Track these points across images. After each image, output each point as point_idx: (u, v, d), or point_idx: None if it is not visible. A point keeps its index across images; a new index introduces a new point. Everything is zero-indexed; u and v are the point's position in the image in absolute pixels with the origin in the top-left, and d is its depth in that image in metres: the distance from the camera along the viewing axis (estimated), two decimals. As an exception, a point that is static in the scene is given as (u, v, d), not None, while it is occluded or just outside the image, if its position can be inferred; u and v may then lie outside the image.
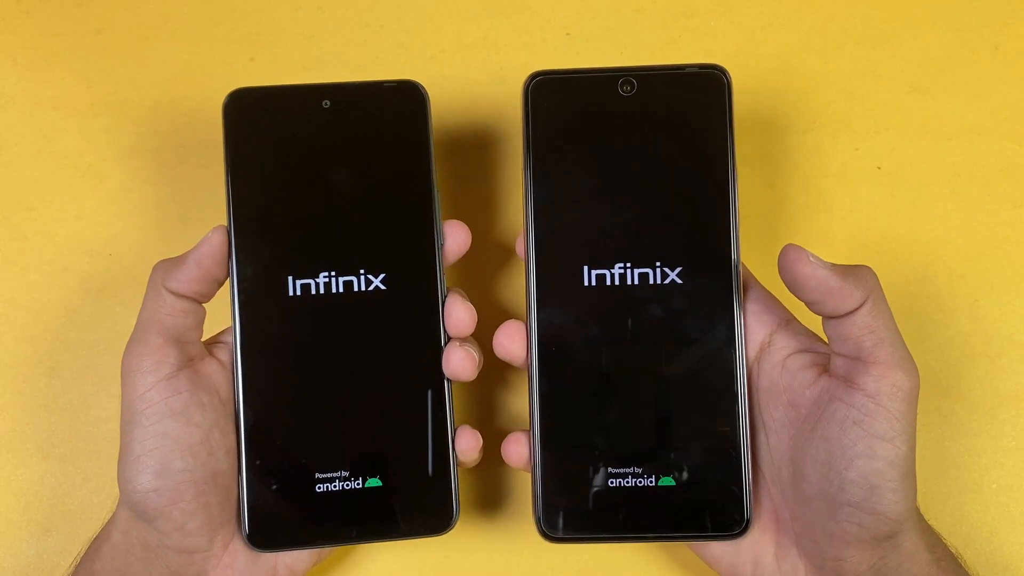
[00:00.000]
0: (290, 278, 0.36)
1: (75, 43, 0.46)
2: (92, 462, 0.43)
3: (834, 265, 0.33)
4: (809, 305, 0.34)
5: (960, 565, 0.35)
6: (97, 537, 0.36)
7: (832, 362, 0.35)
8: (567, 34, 0.46)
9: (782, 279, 0.34)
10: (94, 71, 0.46)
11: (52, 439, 0.43)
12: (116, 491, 0.36)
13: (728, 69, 0.36)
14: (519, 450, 0.36)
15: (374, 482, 0.36)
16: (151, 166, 0.45)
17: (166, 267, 0.35)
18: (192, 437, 0.34)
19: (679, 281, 0.36)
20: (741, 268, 0.36)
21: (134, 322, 0.35)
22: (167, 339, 0.35)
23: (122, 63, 0.46)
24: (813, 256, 0.33)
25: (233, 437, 0.36)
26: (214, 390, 0.36)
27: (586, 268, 0.36)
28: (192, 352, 0.36)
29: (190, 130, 0.45)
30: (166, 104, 0.45)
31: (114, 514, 0.36)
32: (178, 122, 0.45)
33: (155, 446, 0.34)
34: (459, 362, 0.36)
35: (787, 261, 0.34)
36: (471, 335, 0.37)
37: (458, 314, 0.36)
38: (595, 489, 0.36)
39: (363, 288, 0.36)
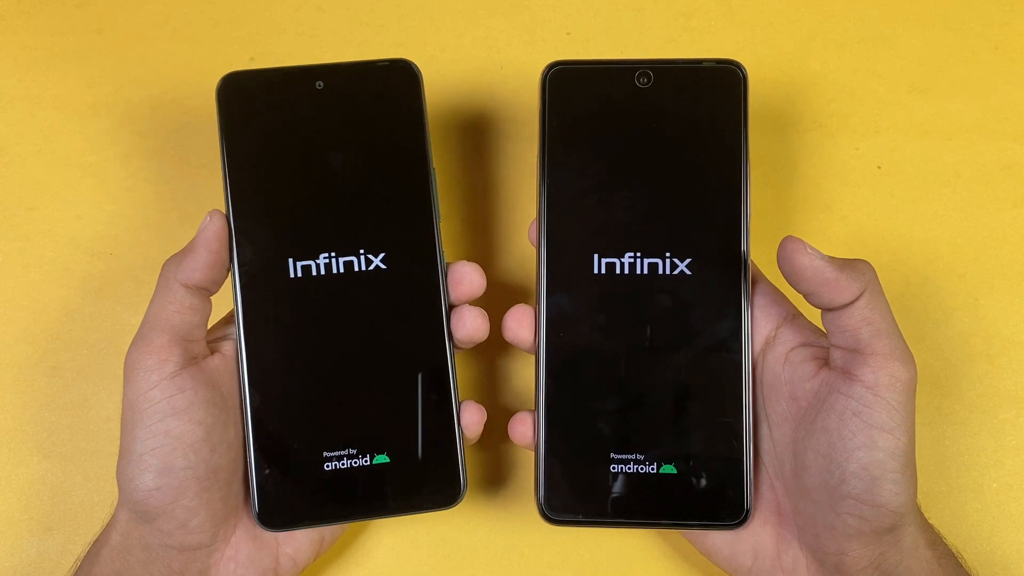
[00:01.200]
0: (291, 260, 0.36)
1: (76, 43, 0.46)
2: (93, 461, 0.43)
3: (832, 257, 0.34)
4: (806, 296, 0.34)
5: (960, 564, 0.35)
6: (96, 540, 0.36)
7: (831, 355, 0.35)
8: (567, 34, 0.46)
9: (780, 269, 0.35)
10: (95, 71, 0.46)
11: (53, 438, 0.43)
12: (116, 490, 0.36)
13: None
14: (524, 430, 0.37)
15: (382, 458, 0.36)
16: (152, 166, 0.45)
17: (176, 260, 0.35)
18: (194, 435, 0.34)
19: (688, 272, 0.36)
20: (750, 262, 0.36)
21: (135, 322, 0.35)
22: (172, 337, 0.35)
23: (123, 63, 0.46)
24: (811, 248, 0.34)
25: (234, 432, 0.36)
26: (217, 386, 0.36)
27: (596, 256, 0.36)
28: (196, 350, 0.36)
29: (191, 130, 0.45)
30: (167, 104, 0.45)
31: (113, 516, 0.36)
32: (179, 122, 0.45)
33: (157, 445, 0.34)
34: (472, 321, 0.36)
35: (785, 252, 0.34)
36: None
37: (470, 275, 0.36)
38: (597, 474, 0.36)
39: (364, 268, 0.36)
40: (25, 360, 0.44)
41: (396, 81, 0.37)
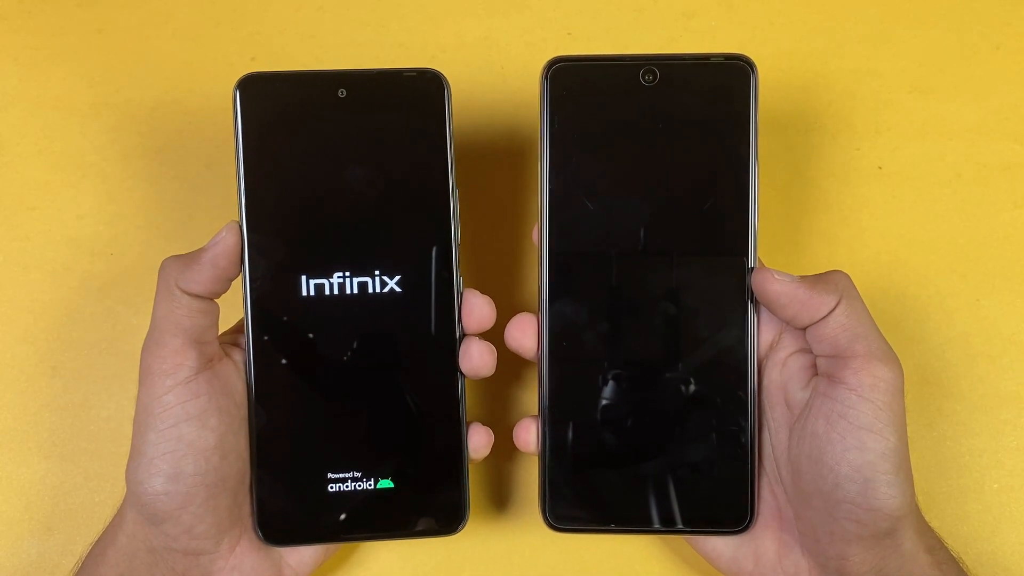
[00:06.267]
0: (303, 277, 0.36)
1: (77, 43, 0.46)
2: (93, 461, 0.43)
3: (802, 277, 0.34)
4: (789, 322, 0.35)
5: (962, 570, 0.35)
6: (101, 539, 0.36)
7: (817, 364, 0.35)
8: (568, 34, 0.46)
9: (760, 301, 0.35)
10: (96, 71, 0.46)
11: (53, 438, 0.43)
12: (118, 490, 0.36)
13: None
14: (528, 437, 0.37)
15: (386, 483, 0.36)
16: (153, 166, 0.45)
17: (178, 266, 0.35)
18: (207, 441, 0.34)
19: (695, 277, 0.36)
20: (758, 265, 0.36)
21: (136, 322, 0.35)
22: (186, 341, 0.34)
23: (124, 63, 0.46)
24: (779, 273, 0.34)
25: (245, 441, 0.36)
26: (230, 393, 0.35)
27: (600, 260, 0.36)
28: (210, 352, 0.35)
29: (192, 130, 0.45)
30: (168, 104, 0.45)
31: (119, 515, 0.36)
32: (179, 122, 0.45)
33: (169, 449, 0.34)
34: (480, 356, 0.36)
35: (756, 285, 0.35)
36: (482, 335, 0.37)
37: (480, 307, 0.36)
38: (600, 481, 0.36)
39: (378, 290, 0.36)
40: (26, 360, 0.44)
41: (422, 93, 0.36)
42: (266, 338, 0.36)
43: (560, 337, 0.36)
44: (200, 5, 0.46)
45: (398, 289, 0.36)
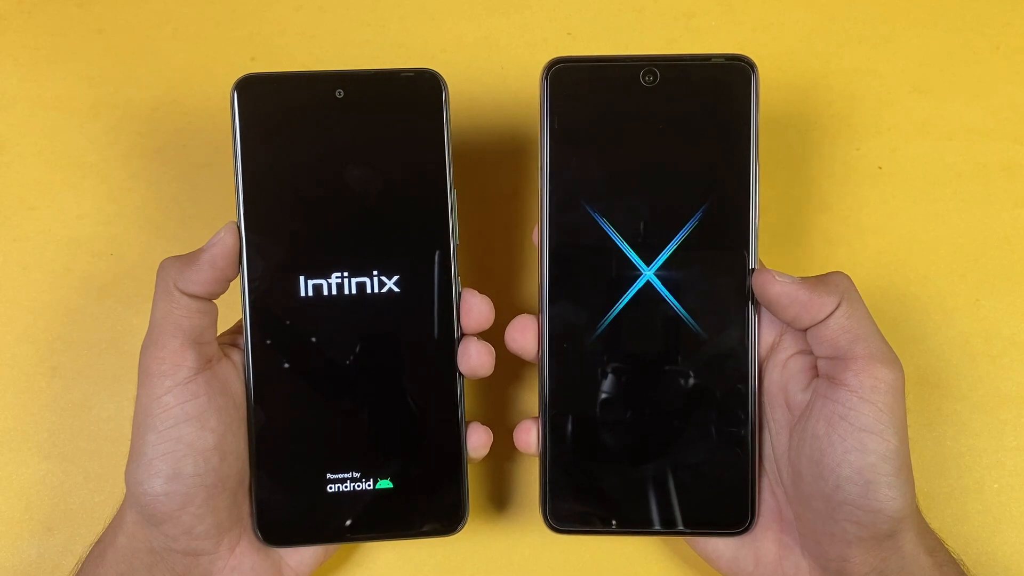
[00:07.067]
0: (302, 278, 0.36)
1: (77, 43, 0.46)
2: (94, 461, 0.43)
3: (803, 278, 0.34)
4: (790, 323, 0.35)
5: (962, 571, 0.35)
6: (101, 540, 0.36)
7: (818, 365, 0.35)
8: (568, 34, 0.46)
9: (761, 303, 0.35)
10: (96, 71, 0.46)
11: (54, 439, 0.43)
12: (118, 490, 0.36)
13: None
14: (528, 439, 0.37)
15: (385, 484, 0.36)
16: (153, 166, 0.45)
17: (177, 267, 0.35)
18: (206, 442, 0.34)
19: (696, 278, 0.36)
20: (758, 266, 0.36)
21: (136, 322, 0.36)
22: (184, 341, 0.34)
23: (124, 63, 0.46)
24: (780, 275, 0.34)
25: (244, 441, 0.36)
26: (230, 394, 0.35)
27: (601, 262, 0.36)
28: (209, 353, 0.35)
29: (191, 130, 0.45)
30: (167, 104, 0.45)
31: (119, 516, 0.36)
32: (179, 122, 0.45)
33: (168, 450, 0.34)
34: (478, 356, 0.36)
35: (757, 286, 0.35)
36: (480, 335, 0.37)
37: (479, 307, 0.36)
38: (601, 483, 0.36)
39: (376, 290, 0.36)
40: (26, 360, 0.44)
41: (420, 93, 0.36)
42: (265, 339, 0.36)
43: (560, 338, 0.36)
44: (200, 5, 0.46)
45: (396, 289, 0.36)
